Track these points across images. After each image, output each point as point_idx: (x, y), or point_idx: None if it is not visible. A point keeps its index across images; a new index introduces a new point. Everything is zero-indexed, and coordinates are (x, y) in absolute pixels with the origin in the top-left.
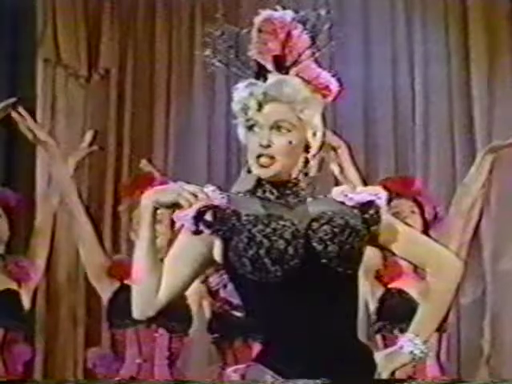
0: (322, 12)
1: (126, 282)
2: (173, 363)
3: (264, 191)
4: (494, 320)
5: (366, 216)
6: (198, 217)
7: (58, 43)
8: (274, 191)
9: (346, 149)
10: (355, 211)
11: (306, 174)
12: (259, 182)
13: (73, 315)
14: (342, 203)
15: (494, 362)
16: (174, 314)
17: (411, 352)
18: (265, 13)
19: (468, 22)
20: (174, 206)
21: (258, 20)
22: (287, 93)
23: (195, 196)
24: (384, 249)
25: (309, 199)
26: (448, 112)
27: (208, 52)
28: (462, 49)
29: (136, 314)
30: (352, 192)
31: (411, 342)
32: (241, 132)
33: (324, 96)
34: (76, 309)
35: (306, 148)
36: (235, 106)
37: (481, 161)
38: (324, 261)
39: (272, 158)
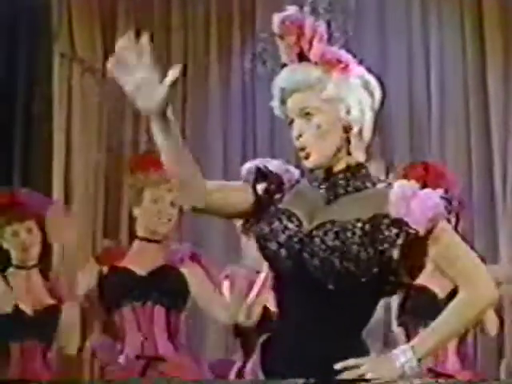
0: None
1: (115, 264)
2: (174, 337)
3: (318, 182)
4: None
5: (384, 246)
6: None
7: (73, 37)
8: (324, 183)
9: None
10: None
11: (349, 153)
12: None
13: None
14: (382, 207)
15: None
16: (168, 289)
17: (401, 366)
18: (276, 17)
19: (483, 15)
20: None
21: (274, 27)
22: (298, 79)
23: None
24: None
25: (354, 194)
26: (464, 106)
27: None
28: (477, 43)
29: (186, 204)
30: (409, 197)
31: (404, 357)
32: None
33: (343, 71)
34: None
35: (346, 129)
36: (281, 116)
37: None
38: (310, 271)
39: (307, 147)
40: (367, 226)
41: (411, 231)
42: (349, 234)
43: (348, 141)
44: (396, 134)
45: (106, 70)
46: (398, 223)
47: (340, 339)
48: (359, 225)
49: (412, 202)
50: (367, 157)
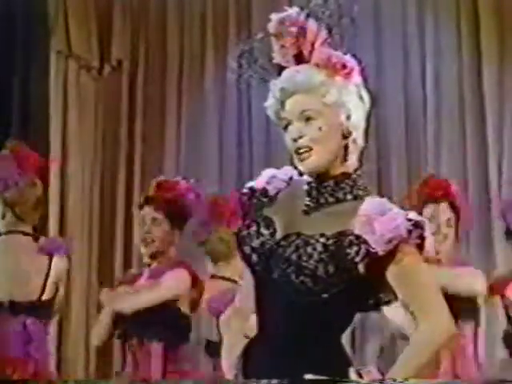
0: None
1: None
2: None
3: (306, 189)
4: None
5: (346, 263)
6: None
7: (69, 35)
8: (311, 190)
9: None
10: (339, 252)
11: (346, 159)
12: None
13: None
14: (351, 223)
15: None
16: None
17: None
18: (274, 17)
19: (479, 16)
20: None
21: (271, 26)
22: (301, 81)
23: None
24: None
25: (333, 206)
26: (459, 106)
27: (236, 66)
28: (473, 43)
29: None
30: (375, 215)
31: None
32: (286, 139)
33: (346, 77)
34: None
35: (345, 135)
36: (272, 117)
37: None
38: (275, 280)
39: (308, 148)
40: (330, 242)
41: (371, 250)
42: (309, 249)
43: (345, 148)
44: (392, 134)
45: (103, 66)
46: (359, 240)
47: (312, 345)
48: (322, 240)
49: (376, 220)
50: (359, 164)
